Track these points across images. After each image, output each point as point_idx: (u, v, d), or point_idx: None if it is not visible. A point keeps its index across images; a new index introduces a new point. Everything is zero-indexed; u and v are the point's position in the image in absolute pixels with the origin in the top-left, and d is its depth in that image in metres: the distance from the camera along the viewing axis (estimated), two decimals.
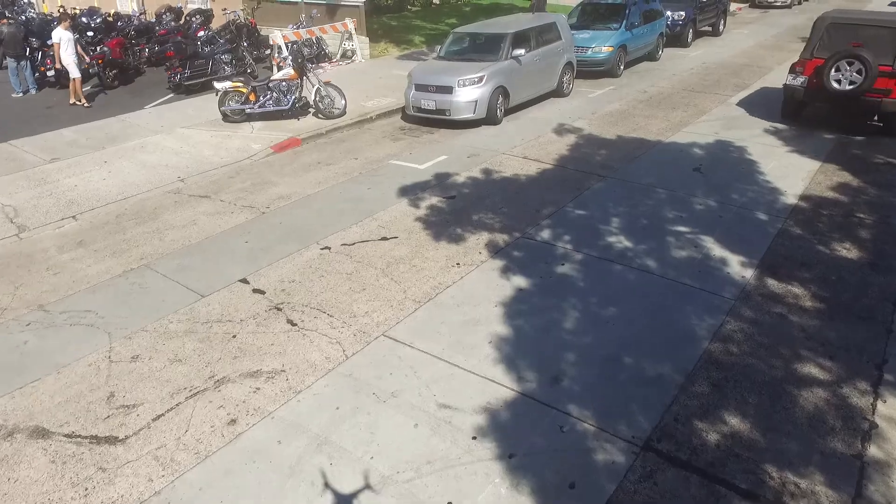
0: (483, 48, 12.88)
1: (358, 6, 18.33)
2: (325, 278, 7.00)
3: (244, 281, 7.03)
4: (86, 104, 14.16)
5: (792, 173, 9.75)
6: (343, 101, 12.94)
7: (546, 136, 11.69)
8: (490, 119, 12.18)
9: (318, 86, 12.71)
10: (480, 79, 11.86)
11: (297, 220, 8.49)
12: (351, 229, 8.15)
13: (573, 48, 14.60)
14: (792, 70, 11.35)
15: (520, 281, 6.78)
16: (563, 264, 7.12)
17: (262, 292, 6.79)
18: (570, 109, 13.46)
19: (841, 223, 8.08)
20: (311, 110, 12.96)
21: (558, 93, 14.23)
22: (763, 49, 20.34)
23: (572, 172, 9.84)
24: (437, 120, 12.25)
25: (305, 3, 18.26)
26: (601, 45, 15.81)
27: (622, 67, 16.49)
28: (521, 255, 7.36)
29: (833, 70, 10.59)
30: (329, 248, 7.69)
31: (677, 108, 13.34)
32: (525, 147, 11.11)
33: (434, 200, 8.95)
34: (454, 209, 8.65)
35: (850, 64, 10.44)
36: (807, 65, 11.04)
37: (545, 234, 7.83)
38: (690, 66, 17.74)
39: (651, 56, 18.32)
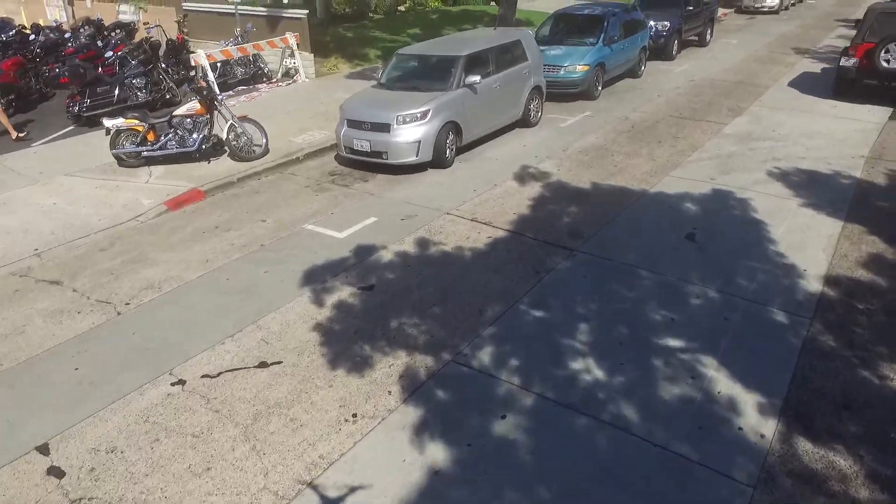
0: (430, 74, 10.67)
1: (300, 18, 16.03)
2: (160, 445, 4.76)
3: (42, 450, 4.79)
4: None
5: (809, 240, 7.63)
6: (264, 140, 10.70)
7: (504, 186, 9.50)
8: (438, 161, 10.00)
9: (230, 121, 10.44)
10: (425, 114, 9.65)
11: (158, 329, 6.26)
12: (223, 346, 5.92)
13: (542, 69, 12.44)
14: (844, 53, 13.28)
15: (437, 453, 4.59)
16: (503, 417, 4.94)
17: (61, 474, 4.56)
18: (537, 144, 11.28)
19: (885, 324, 5.95)
20: (228, 149, 10.70)
21: (525, 122, 12.06)
22: (755, 63, 18.30)
23: (532, 244, 7.66)
24: (375, 163, 10.02)
25: (240, 14, 15.93)
26: (575, 63, 13.66)
27: (600, 88, 14.35)
28: (446, 397, 5.17)
29: (883, 52, 12.41)
30: (183, 383, 5.45)
31: (664, 142, 11.20)
32: (477, 202, 8.91)
33: (345, 293, 6.73)
34: (368, 309, 6.44)
35: None
36: (858, 48, 12.88)
37: (485, 356, 5.65)
38: (677, 83, 15.64)
39: (633, 72, 16.21)
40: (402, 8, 26.84)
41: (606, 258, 7.29)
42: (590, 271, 7.02)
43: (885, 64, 12.52)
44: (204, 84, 11.26)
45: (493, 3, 29.29)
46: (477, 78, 10.29)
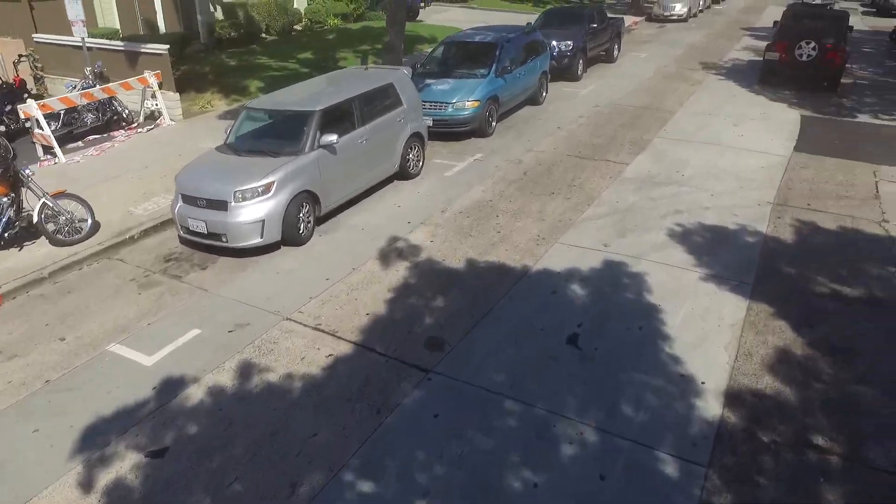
0: (280, 134, 9.14)
1: (161, 54, 14.15)
2: None
3: None
4: None
5: (711, 333, 6.50)
6: (88, 219, 8.97)
7: (365, 269, 8.04)
8: (290, 239, 8.48)
9: (43, 200, 8.61)
10: (268, 187, 8.11)
11: None
12: None
13: (420, 112, 11.03)
14: (769, 49, 16.23)
15: None
16: None
17: None
18: (413, 203, 9.89)
19: (793, 468, 4.78)
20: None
21: (404, 174, 10.62)
22: (664, 80, 17.47)
23: (380, 365, 6.21)
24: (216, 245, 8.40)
25: (89, 48, 13.92)
26: (464, 98, 12.32)
27: (494, 123, 13.08)
28: None
29: (797, 48, 15.53)
30: None
31: (558, 193, 9.99)
32: (326, 298, 7.43)
33: (127, 465, 5.14)
34: (151, 491, 4.85)
35: (807, 43, 15.47)
36: (778, 45, 15.98)
37: None
38: (580, 111, 14.55)
39: (533, 100, 15.06)
40: (298, 27, 25.05)
41: (467, 382, 5.90)
42: (444, 405, 5.62)
43: (799, 57, 15.69)
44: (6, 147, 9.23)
45: None
46: (333, 138, 8.79)
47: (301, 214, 8.56)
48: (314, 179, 8.70)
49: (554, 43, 17.01)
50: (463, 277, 7.74)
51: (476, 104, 12.41)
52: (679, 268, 7.77)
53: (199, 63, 18.92)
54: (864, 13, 33.80)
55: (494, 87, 12.94)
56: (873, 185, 10.27)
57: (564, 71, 17.28)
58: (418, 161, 10.96)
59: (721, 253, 8.09)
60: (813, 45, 15.45)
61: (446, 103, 12.33)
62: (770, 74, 16.32)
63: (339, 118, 9.30)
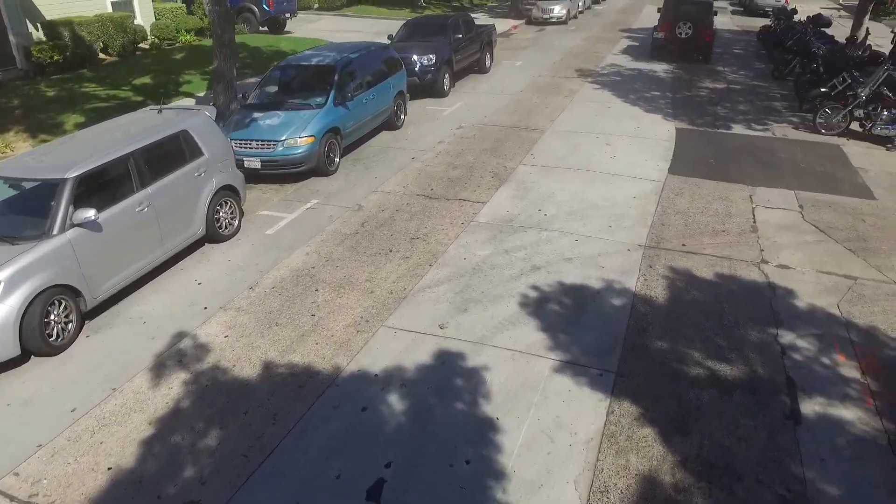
0: (22, 209, 6.98)
1: None
2: None
3: None
4: None
5: (558, 461, 5.12)
6: None
7: (128, 391, 6.12)
8: (36, 349, 6.37)
9: None
10: None
11: None
12: None
13: (231, 160, 9.06)
14: (656, 29, 20.30)
15: None
16: None
17: None
18: (218, 279, 8.00)
19: None
20: None
21: (213, 236, 8.62)
22: (537, 93, 16.22)
23: None
24: None
25: None
26: (296, 134, 10.43)
27: (337, 159, 11.27)
28: None
29: (677, 28, 19.54)
30: None
31: (395, 251, 8.31)
32: (58, 449, 5.51)
33: None
34: None
35: (684, 24, 19.47)
36: (664, 25, 19.91)
37: None
38: (441, 134, 12.97)
39: (390, 123, 13.30)
40: (144, 45, 22.27)
41: None
42: None
43: (679, 35, 19.69)
44: None
45: (262, 31, 25.53)
46: (90, 213, 6.69)
47: (53, 317, 6.40)
48: (69, 269, 6.58)
49: (415, 57, 15.39)
50: (252, 393, 5.85)
51: (310, 140, 10.53)
52: (528, 354, 6.20)
53: (11, 94, 16.05)
54: (732, 12, 34.29)
55: (333, 117, 11.10)
56: (750, 214, 9.21)
57: (429, 87, 15.66)
58: (232, 219, 8.97)
59: (581, 327, 6.60)
60: (689, 25, 19.52)
61: (275, 141, 10.40)
62: (658, 49, 20.50)
63: (106, 184, 7.22)
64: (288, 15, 26.17)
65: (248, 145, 10.29)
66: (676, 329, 6.56)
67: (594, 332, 6.54)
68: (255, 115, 10.94)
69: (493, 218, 9.21)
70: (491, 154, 11.86)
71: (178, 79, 18.12)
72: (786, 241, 8.39)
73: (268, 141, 10.42)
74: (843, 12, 31.80)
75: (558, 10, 29.23)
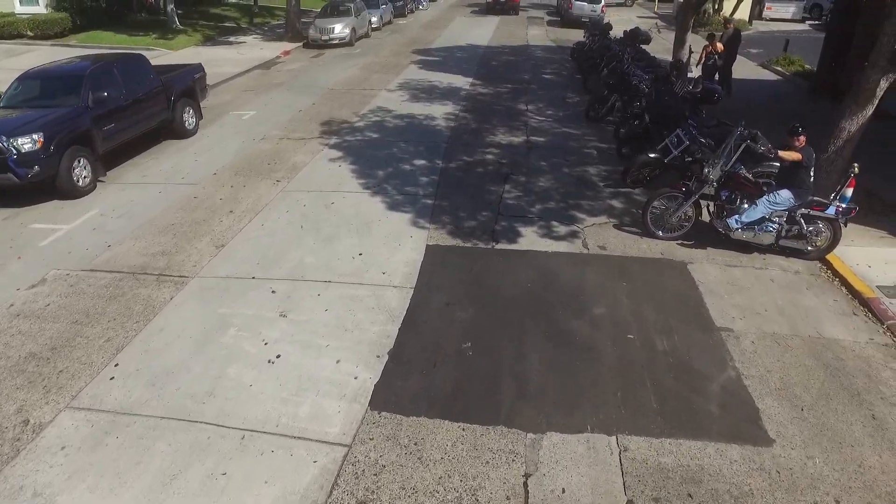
0: None
1: None
2: None
3: None
4: None
5: None
6: None
7: None
8: None
9: None
10: None
11: None
12: None
13: None
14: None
15: None
16: None
17: None
18: None
19: None
20: None
21: None
22: (238, 176, 10.54)
23: None
24: None
25: None
26: None
27: None
28: None
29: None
30: None
31: None
32: None
33: None
34: None
35: None
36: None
37: None
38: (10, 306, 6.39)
39: None
40: None
41: None
42: None
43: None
44: None
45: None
46: None
47: None
48: None
49: (3, 138, 8.67)
50: None
51: None
52: None
53: None
54: (548, 23, 30.05)
55: None
56: None
57: (45, 186, 8.98)
58: None
59: None
60: None
61: None
62: (487, 11, 29.48)
63: None
64: None
65: None
66: None
67: None
68: None
69: None
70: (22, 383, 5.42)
71: None
72: None
73: None
74: (660, 22, 28.41)
75: (339, 30, 23.42)
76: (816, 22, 30.43)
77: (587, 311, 6.38)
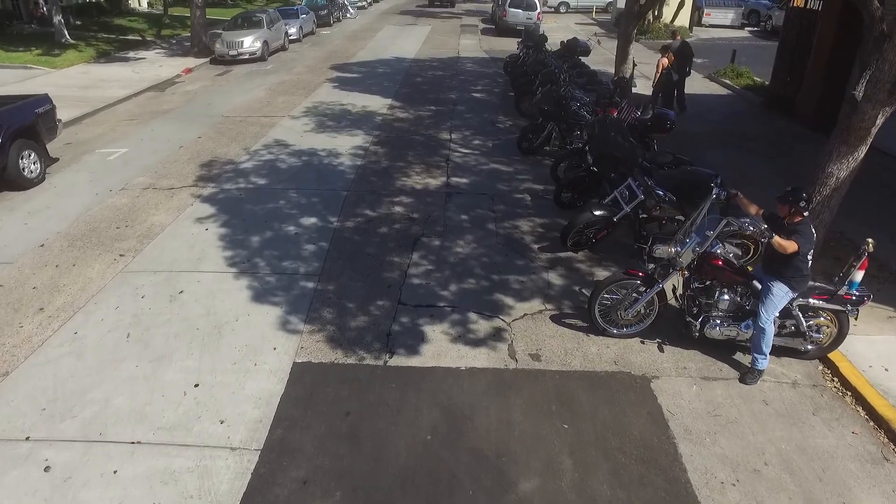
0: None
1: None
2: None
3: None
4: None
5: None
6: None
7: None
8: None
9: None
10: None
11: None
12: None
13: None
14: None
15: None
16: None
17: None
18: None
19: None
20: None
21: None
22: (67, 250, 7.95)
23: None
24: None
25: None
26: None
27: None
28: None
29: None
30: None
31: None
32: None
33: None
34: None
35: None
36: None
37: None
38: None
39: None
40: None
41: None
42: None
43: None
44: None
45: None
46: None
47: None
48: None
49: None
50: None
51: None
52: None
53: None
54: (483, 31, 28.09)
55: None
56: None
57: None
58: None
59: None
60: None
61: None
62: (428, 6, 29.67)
63: None
64: None
65: None
66: None
67: None
68: None
69: None
70: None
71: None
72: None
73: None
74: (599, 30, 26.78)
75: (249, 44, 20.90)
76: (755, 29, 29.42)
77: (511, 489, 4.21)
